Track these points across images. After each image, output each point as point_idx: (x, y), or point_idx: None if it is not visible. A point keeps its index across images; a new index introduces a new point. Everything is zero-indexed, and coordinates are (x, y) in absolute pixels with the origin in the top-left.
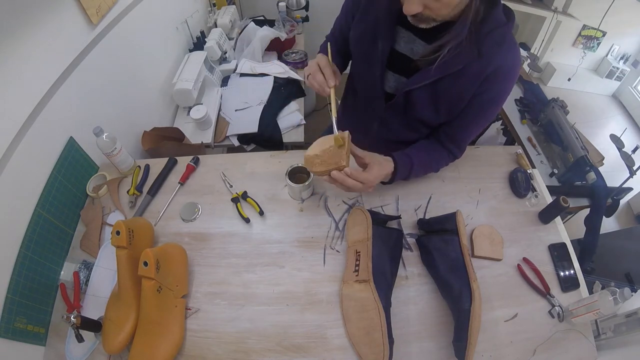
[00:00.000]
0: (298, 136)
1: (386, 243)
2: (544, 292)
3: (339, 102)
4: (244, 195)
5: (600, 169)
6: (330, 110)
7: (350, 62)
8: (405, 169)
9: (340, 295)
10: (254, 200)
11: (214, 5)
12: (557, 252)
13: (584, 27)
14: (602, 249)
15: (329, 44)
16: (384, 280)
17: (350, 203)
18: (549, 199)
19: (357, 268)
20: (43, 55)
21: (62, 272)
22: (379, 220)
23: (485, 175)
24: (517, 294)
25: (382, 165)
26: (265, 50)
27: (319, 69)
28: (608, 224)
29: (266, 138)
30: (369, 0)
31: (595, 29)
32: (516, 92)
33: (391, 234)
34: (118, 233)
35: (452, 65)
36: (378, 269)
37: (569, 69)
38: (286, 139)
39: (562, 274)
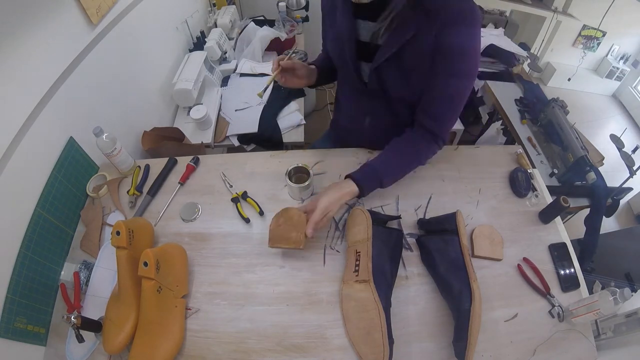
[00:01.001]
0: (298, 136)
1: (386, 243)
2: (544, 292)
3: (332, 110)
4: (244, 195)
5: (600, 169)
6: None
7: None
8: (372, 179)
9: (341, 295)
10: (254, 200)
11: (214, 5)
12: (557, 252)
13: (584, 27)
14: (602, 249)
15: (293, 53)
16: (384, 280)
17: (350, 203)
18: (549, 199)
19: (357, 268)
20: (43, 55)
21: (62, 272)
22: (379, 220)
23: (485, 175)
24: (517, 294)
25: (331, 189)
26: (265, 50)
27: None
28: (608, 224)
29: (266, 138)
30: (332, 8)
31: (595, 29)
32: (516, 92)
33: (391, 234)
34: (118, 233)
35: (404, 32)
36: (378, 268)
37: (569, 69)
38: (286, 139)
39: (562, 273)
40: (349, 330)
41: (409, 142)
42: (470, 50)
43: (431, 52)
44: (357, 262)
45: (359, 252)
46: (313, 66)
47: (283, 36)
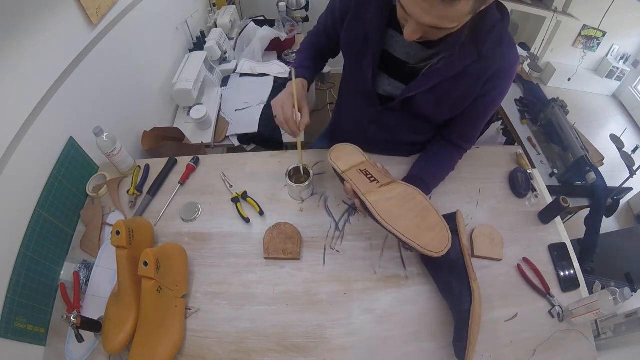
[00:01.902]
0: None
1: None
2: (544, 292)
3: (332, 110)
4: (244, 195)
5: (600, 169)
6: (299, 156)
7: (344, 64)
8: (424, 190)
9: (367, 204)
10: (254, 200)
11: (214, 5)
12: (557, 252)
13: (584, 27)
14: (602, 249)
15: (292, 70)
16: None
17: (350, 203)
18: (549, 199)
19: (372, 179)
20: (43, 55)
21: (62, 272)
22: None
23: (485, 175)
24: (517, 294)
25: None
26: (265, 50)
27: (283, 115)
28: (608, 224)
29: (266, 138)
30: (359, 5)
31: (595, 29)
32: (516, 92)
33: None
34: (118, 233)
35: (452, 67)
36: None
37: (569, 69)
38: (286, 139)
39: (562, 274)
40: (399, 229)
41: (444, 153)
42: (505, 94)
43: (479, 86)
44: (369, 175)
45: (364, 169)
46: (304, 81)
47: (283, 36)
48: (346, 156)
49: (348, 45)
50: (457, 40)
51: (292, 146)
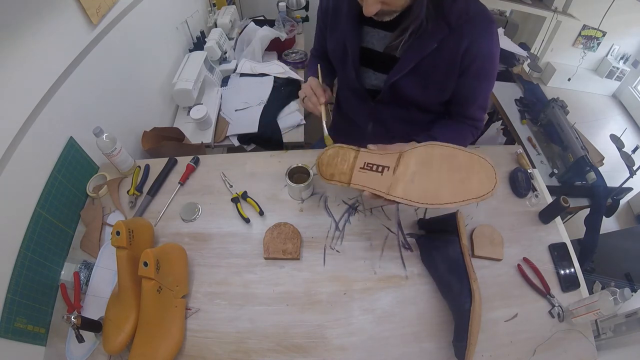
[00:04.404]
0: (298, 136)
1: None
2: (544, 292)
3: (332, 110)
4: (244, 195)
5: (600, 169)
6: (323, 121)
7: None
8: None
9: (400, 200)
10: (254, 200)
11: (214, 5)
12: (557, 252)
13: (584, 27)
14: (602, 249)
15: (319, 65)
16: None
17: (350, 203)
18: (549, 199)
19: (380, 168)
20: (43, 55)
21: (62, 272)
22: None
23: None
24: (517, 294)
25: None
26: (265, 50)
27: (312, 91)
28: (608, 224)
29: (266, 138)
30: (335, 11)
31: (595, 29)
32: (516, 92)
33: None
34: (118, 233)
35: (425, 44)
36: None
37: (569, 69)
38: (286, 139)
39: (562, 273)
40: (448, 199)
41: (457, 125)
42: (497, 55)
43: (457, 61)
44: (374, 167)
45: (365, 164)
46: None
47: (283, 36)
48: (336, 166)
49: (333, 50)
50: (417, 17)
51: (292, 146)
